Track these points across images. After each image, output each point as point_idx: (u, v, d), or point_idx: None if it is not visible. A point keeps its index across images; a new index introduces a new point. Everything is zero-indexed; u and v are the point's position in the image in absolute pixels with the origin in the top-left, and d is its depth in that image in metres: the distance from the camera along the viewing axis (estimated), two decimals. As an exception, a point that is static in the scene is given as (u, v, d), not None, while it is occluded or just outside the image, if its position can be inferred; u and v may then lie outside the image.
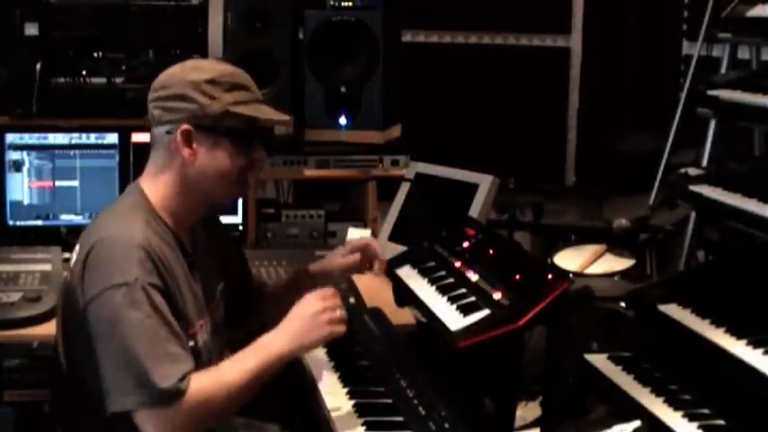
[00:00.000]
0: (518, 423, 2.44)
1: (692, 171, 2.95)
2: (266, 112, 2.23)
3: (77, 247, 2.17)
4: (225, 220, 3.03)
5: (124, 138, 3.40)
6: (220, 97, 2.15)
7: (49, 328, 2.50)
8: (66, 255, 3.12)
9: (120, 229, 2.10)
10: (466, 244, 2.65)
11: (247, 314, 2.53)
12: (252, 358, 2.09)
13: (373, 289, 3.01)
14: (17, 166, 3.36)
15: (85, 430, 2.17)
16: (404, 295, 2.64)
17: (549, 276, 2.25)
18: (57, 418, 2.25)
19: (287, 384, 2.83)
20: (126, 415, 2.00)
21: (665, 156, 3.47)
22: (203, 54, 3.55)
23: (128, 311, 1.99)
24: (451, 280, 2.49)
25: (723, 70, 3.35)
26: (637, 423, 2.05)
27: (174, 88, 2.16)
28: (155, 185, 2.20)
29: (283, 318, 2.19)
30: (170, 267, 2.12)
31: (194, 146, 2.16)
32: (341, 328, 2.17)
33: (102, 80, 3.49)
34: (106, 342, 2.01)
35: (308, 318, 2.15)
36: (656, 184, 3.44)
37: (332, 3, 3.66)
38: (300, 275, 2.61)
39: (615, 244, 3.39)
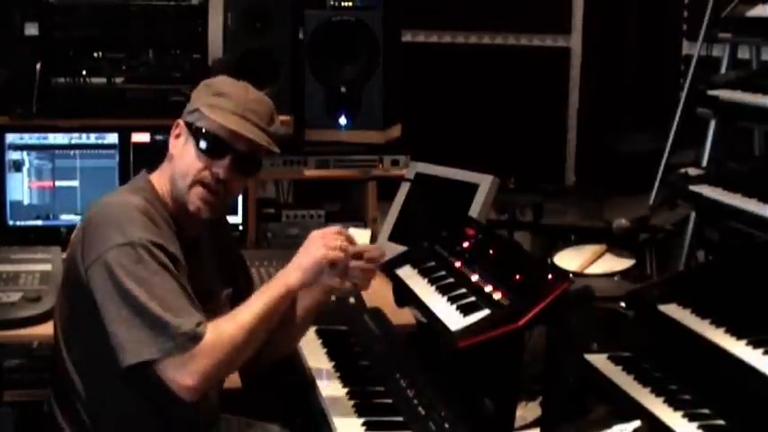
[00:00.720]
0: (518, 423, 2.44)
1: (692, 171, 2.95)
2: (243, 128, 2.16)
3: (78, 225, 2.22)
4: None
5: (124, 138, 3.40)
6: (202, 98, 2.21)
7: (49, 328, 2.50)
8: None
9: (120, 198, 2.17)
10: (466, 244, 2.65)
11: None
12: (261, 297, 2.14)
13: (373, 289, 3.00)
14: (17, 166, 3.36)
15: (86, 408, 2.17)
16: (404, 295, 2.64)
17: (549, 276, 2.25)
18: (61, 414, 2.25)
19: (287, 384, 2.83)
20: (138, 371, 2.01)
21: (665, 156, 3.47)
22: (203, 54, 3.55)
23: (134, 269, 2.03)
24: (451, 280, 2.49)
25: (723, 70, 3.34)
26: (637, 423, 2.05)
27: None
28: (160, 177, 2.26)
29: (282, 329, 2.24)
30: (167, 241, 2.14)
31: (178, 140, 2.23)
32: (335, 254, 2.18)
33: (102, 80, 3.49)
34: (115, 301, 2.03)
35: (307, 243, 2.20)
36: (656, 184, 3.44)
37: (332, 3, 3.66)
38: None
39: (615, 244, 3.39)
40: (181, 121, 2.23)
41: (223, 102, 2.19)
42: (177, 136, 2.24)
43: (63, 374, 2.20)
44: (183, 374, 2.01)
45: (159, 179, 2.26)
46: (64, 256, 3.08)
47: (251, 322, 2.09)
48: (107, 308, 2.04)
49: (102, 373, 2.13)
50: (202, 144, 2.18)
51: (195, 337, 2.01)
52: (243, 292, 2.41)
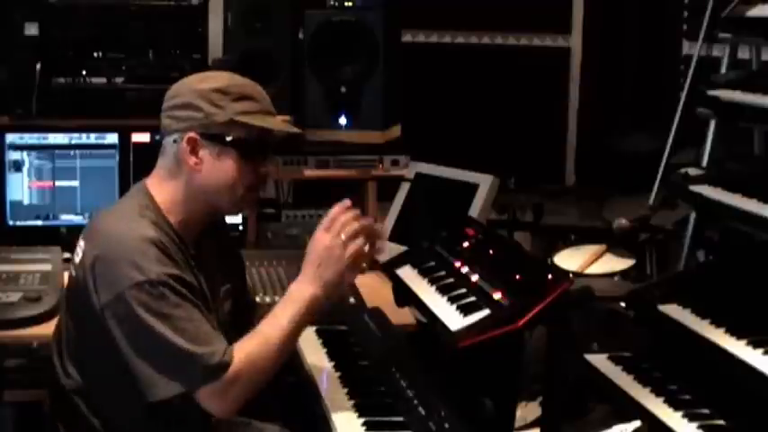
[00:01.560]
0: (518, 423, 2.43)
1: (692, 171, 2.94)
2: (276, 124, 2.23)
3: (82, 245, 2.17)
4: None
5: (124, 138, 3.40)
6: (227, 106, 2.15)
7: (49, 328, 2.50)
8: (66, 255, 3.13)
9: (130, 228, 2.11)
10: (466, 244, 2.65)
11: (240, 327, 2.51)
12: (286, 312, 2.13)
13: (373, 289, 3.01)
14: (17, 166, 3.36)
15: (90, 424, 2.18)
16: (404, 295, 2.64)
17: (549, 276, 2.25)
18: (59, 419, 2.24)
19: (287, 384, 2.83)
20: (161, 404, 2.03)
21: (665, 156, 3.46)
22: (203, 54, 3.56)
23: (156, 306, 2.02)
24: (451, 280, 2.49)
25: (723, 70, 3.34)
26: (637, 423, 2.05)
27: (182, 97, 2.17)
28: (162, 190, 2.21)
29: None
30: (180, 265, 2.13)
31: (200, 155, 2.16)
32: (356, 249, 2.15)
33: (102, 80, 3.50)
34: (140, 340, 2.03)
35: (323, 254, 2.15)
36: (656, 184, 3.43)
37: (332, 3, 3.65)
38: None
39: (615, 244, 3.39)
40: (194, 135, 2.16)
41: (252, 105, 2.17)
42: (194, 150, 2.16)
43: (64, 391, 2.19)
44: (219, 402, 2.05)
45: (163, 194, 2.20)
46: (64, 256, 3.10)
47: (279, 341, 2.11)
48: (131, 346, 2.04)
49: (111, 400, 2.14)
50: (249, 152, 2.17)
51: (225, 366, 2.03)
52: (238, 295, 2.43)
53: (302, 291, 2.15)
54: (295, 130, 2.30)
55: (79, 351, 2.18)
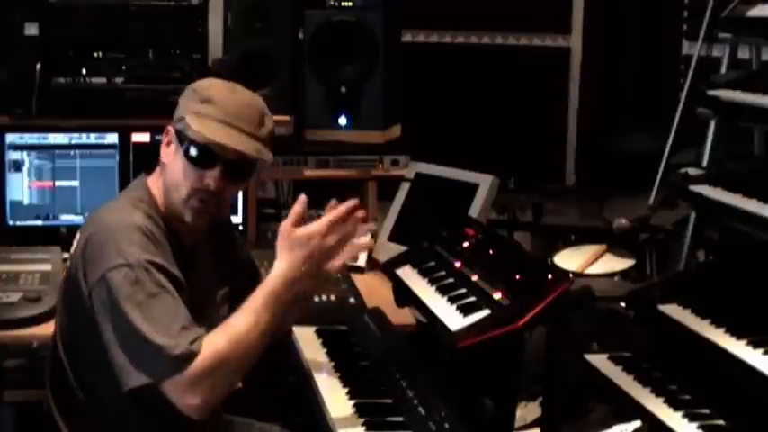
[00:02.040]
0: (518, 423, 2.43)
1: (692, 171, 2.94)
2: (231, 138, 2.11)
3: (77, 236, 2.19)
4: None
5: (124, 138, 3.40)
6: (188, 105, 2.16)
7: (49, 328, 2.50)
8: (66, 255, 3.13)
9: (122, 216, 2.12)
10: (466, 244, 2.65)
11: None
12: (265, 310, 2.05)
13: (373, 289, 3.01)
14: (17, 166, 3.36)
15: (90, 421, 2.18)
16: (404, 295, 2.64)
17: (549, 276, 2.25)
18: (59, 412, 2.24)
19: (287, 384, 2.83)
20: (139, 393, 2.01)
21: (665, 156, 3.46)
22: (203, 54, 3.55)
23: (131, 291, 2.00)
24: (451, 280, 2.49)
25: (723, 70, 3.34)
26: (637, 423, 2.06)
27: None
28: (157, 182, 2.24)
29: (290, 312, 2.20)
30: (166, 256, 2.12)
31: (171, 147, 2.19)
32: (335, 265, 2.09)
33: (102, 80, 3.49)
34: (112, 324, 2.01)
35: (301, 257, 2.07)
36: (656, 184, 3.43)
37: (332, 3, 3.65)
38: None
39: (615, 244, 3.39)
40: (170, 128, 2.19)
41: (209, 109, 2.13)
42: (168, 143, 2.19)
43: (64, 384, 2.20)
44: (185, 395, 1.98)
45: (155, 186, 2.23)
46: (64, 256, 3.09)
47: (250, 336, 2.03)
48: (105, 330, 2.03)
49: (103, 388, 2.12)
50: (191, 154, 2.14)
51: (189, 357, 1.97)
52: (245, 288, 2.42)
53: (285, 292, 2.08)
54: (257, 154, 2.14)
55: (71, 339, 2.18)
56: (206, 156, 2.14)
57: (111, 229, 2.09)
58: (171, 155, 2.18)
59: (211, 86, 2.19)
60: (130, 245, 2.05)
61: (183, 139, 2.15)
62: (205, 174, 2.14)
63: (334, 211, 2.15)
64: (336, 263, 2.11)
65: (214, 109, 2.13)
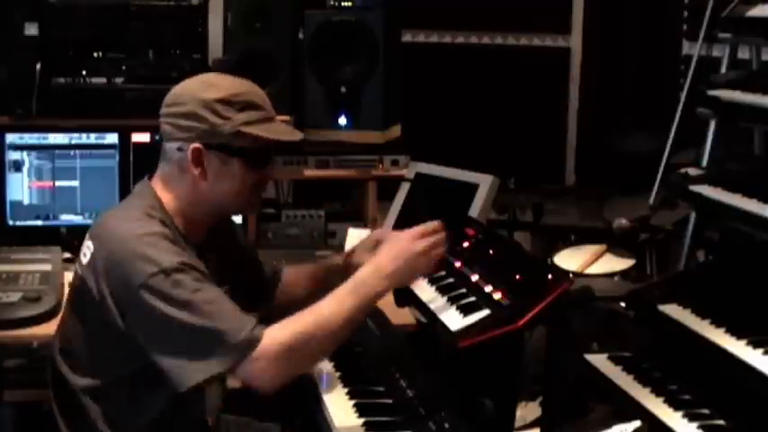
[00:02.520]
0: (518, 423, 2.43)
1: (692, 171, 2.94)
2: (279, 131, 2.23)
3: (90, 246, 2.17)
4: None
5: (124, 138, 3.40)
6: (232, 117, 2.16)
7: (49, 328, 2.50)
8: (67, 255, 3.13)
9: (139, 226, 2.12)
10: (466, 244, 2.65)
11: (259, 302, 2.50)
12: (351, 297, 2.12)
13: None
14: (17, 166, 3.36)
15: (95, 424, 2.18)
16: (404, 295, 2.64)
17: (549, 276, 2.25)
18: (64, 419, 2.24)
19: (287, 384, 2.82)
20: (196, 389, 2.03)
21: (665, 156, 3.46)
22: (203, 54, 3.56)
23: (175, 294, 2.02)
24: (451, 280, 2.49)
25: (723, 70, 3.34)
26: (637, 423, 2.05)
27: (186, 106, 2.17)
28: (167, 193, 2.22)
29: (315, 290, 2.36)
30: (193, 261, 2.15)
31: (205, 164, 2.17)
32: (427, 266, 2.24)
33: (102, 80, 3.50)
34: (163, 331, 2.02)
35: (409, 257, 2.19)
36: (656, 184, 3.43)
37: (332, 3, 3.66)
38: (332, 269, 2.58)
39: (615, 244, 3.39)
40: (200, 147, 2.16)
41: (256, 114, 2.18)
42: (200, 161, 2.17)
43: (71, 392, 2.19)
44: (262, 374, 2.03)
45: (168, 197, 2.22)
46: (64, 256, 3.10)
47: (334, 321, 2.09)
48: (155, 340, 2.04)
49: (119, 397, 2.14)
50: (254, 160, 2.20)
51: (255, 339, 2.01)
52: (249, 281, 2.46)
53: (374, 283, 2.16)
54: (298, 136, 2.31)
55: (89, 353, 2.17)
56: (268, 155, 2.25)
57: (133, 241, 2.08)
58: (215, 169, 2.18)
59: (236, 89, 2.19)
60: (159, 252, 2.06)
61: (234, 151, 2.17)
62: (265, 170, 2.24)
63: (425, 224, 2.28)
64: (423, 266, 2.23)
65: (258, 112, 2.19)
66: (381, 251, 2.22)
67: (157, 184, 2.23)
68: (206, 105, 2.15)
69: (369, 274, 2.16)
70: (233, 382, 2.45)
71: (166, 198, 2.21)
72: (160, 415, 2.15)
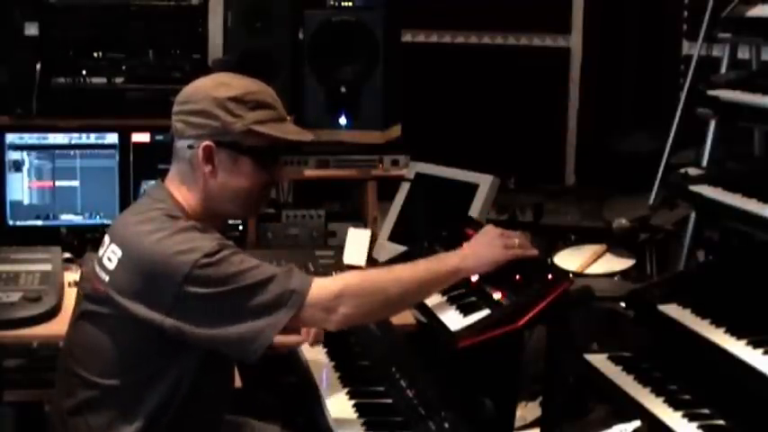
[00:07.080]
0: (518, 423, 2.44)
1: (692, 171, 2.94)
2: (289, 132, 2.25)
3: (118, 253, 2.15)
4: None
5: (124, 138, 3.40)
6: (244, 116, 2.17)
7: (49, 329, 2.51)
8: (67, 254, 3.14)
9: (165, 227, 2.13)
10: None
11: None
12: (427, 265, 2.28)
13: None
14: (17, 166, 3.36)
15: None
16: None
17: (549, 276, 2.25)
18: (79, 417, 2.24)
19: (287, 384, 2.83)
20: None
21: (665, 156, 3.46)
22: (203, 54, 3.56)
23: (222, 273, 2.06)
24: (451, 280, 2.49)
25: (723, 70, 3.34)
26: (637, 423, 2.06)
27: (198, 104, 2.18)
28: (183, 194, 2.23)
29: None
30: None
31: (215, 162, 2.18)
32: (511, 256, 2.34)
33: (102, 80, 3.50)
34: (220, 312, 2.06)
35: (492, 242, 2.34)
36: (656, 184, 3.43)
37: (332, 3, 3.65)
38: None
39: (615, 244, 3.39)
40: (212, 145, 2.17)
41: (268, 113, 2.20)
42: (210, 159, 2.18)
43: (85, 394, 2.19)
44: (325, 311, 2.12)
45: (183, 195, 2.22)
46: (64, 256, 3.10)
47: (407, 281, 2.22)
48: (217, 316, 2.06)
49: (139, 395, 2.14)
50: (264, 159, 2.21)
51: (307, 281, 2.11)
52: None
53: (451, 257, 2.32)
54: (308, 137, 2.33)
55: (114, 355, 2.16)
56: (275, 154, 2.26)
57: (163, 242, 2.09)
58: (224, 167, 2.19)
59: (247, 88, 2.21)
60: (192, 241, 2.09)
61: (245, 149, 2.18)
62: (274, 169, 2.26)
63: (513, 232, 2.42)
64: (500, 254, 2.32)
65: (269, 111, 2.21)
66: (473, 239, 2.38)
67: (172, 184, 2.24)
68: (218, 103, 2.17)
69: (449, 253, 2.34)
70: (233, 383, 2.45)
71: (183, 197, 2.22)
72: (174, 413, 2.15)
